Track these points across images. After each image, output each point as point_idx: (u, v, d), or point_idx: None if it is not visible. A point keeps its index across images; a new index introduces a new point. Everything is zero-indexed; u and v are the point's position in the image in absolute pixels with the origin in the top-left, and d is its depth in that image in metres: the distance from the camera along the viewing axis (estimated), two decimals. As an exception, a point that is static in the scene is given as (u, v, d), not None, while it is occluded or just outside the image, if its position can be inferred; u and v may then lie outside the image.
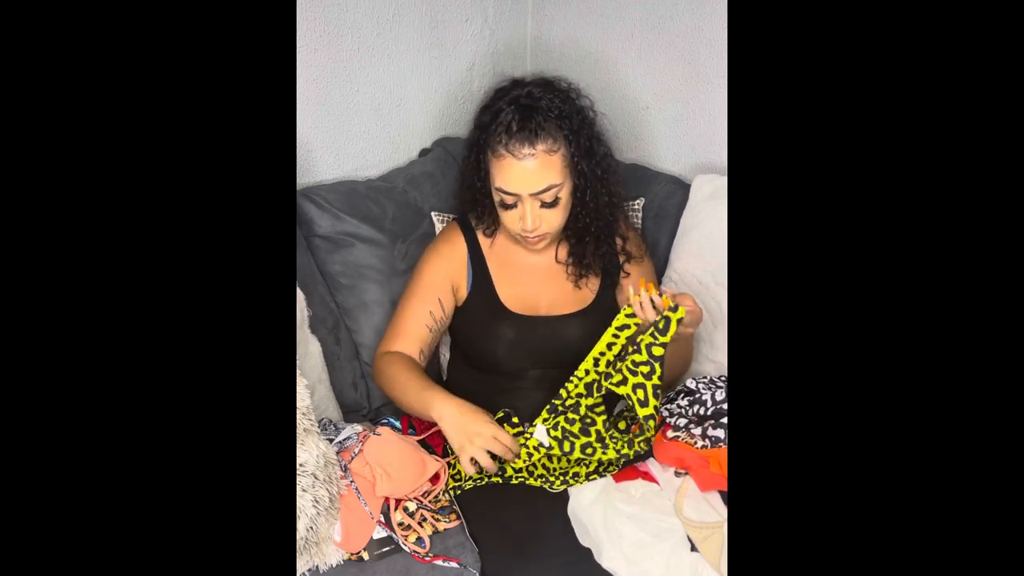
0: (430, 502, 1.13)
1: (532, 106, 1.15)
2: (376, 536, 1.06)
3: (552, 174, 1.15)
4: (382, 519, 1.07)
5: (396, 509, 1.09)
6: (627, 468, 1.18)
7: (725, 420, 1.09)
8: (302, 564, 1.00)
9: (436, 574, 1.05)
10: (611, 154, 1.25)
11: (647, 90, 1.55)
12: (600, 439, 1.15)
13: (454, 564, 1.06)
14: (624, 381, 1.09)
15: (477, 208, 1.29)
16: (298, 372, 1.01)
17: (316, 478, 0.99)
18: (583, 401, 1.16)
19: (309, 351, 1.29)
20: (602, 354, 1.13)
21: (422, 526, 1.09)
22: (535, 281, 1.30)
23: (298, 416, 0.99)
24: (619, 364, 1.11)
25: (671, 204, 1.45)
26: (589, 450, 1.14)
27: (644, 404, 1.08)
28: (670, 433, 1.14)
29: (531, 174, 1.14)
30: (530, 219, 1.16)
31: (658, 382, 1.07)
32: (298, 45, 1.33)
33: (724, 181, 1.36)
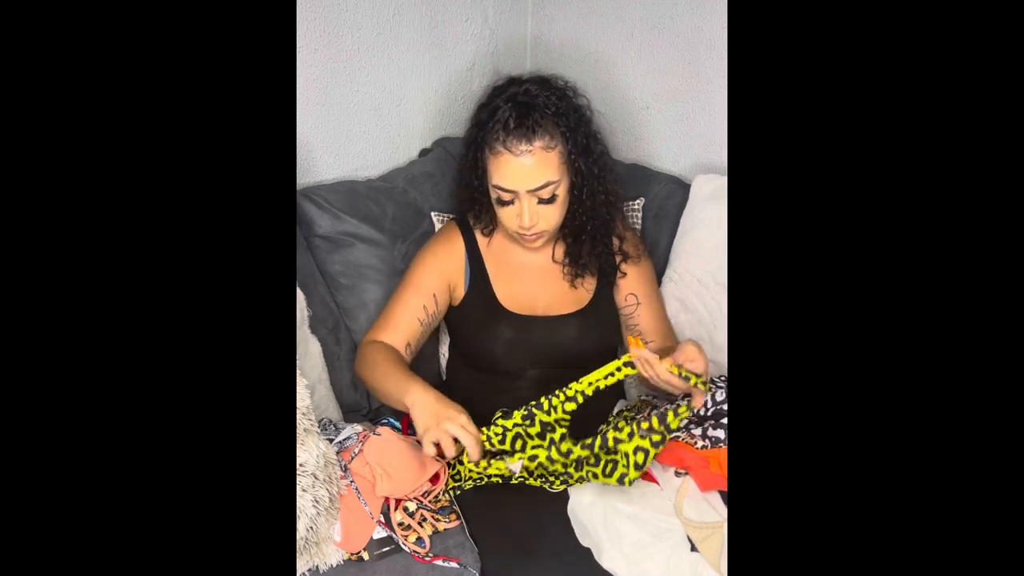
0: (430, 502, 1.13)
1: (529, 103, 1.15)
2: (376, 536, 1.06)
3: (549, 171, 1.15)
4: (382, 519, 1.07)
5: (396, 509, 1.09)
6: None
7: (725, 420, 1.09)
8: (302, 564, 1.00)
9: (436, 574, 1.05)
10: (608, 152, 1.26)
11: (647, 90, 1.55)
12: (553, 446, 1.10)
13: (454, 564, 1.06)
14: (630, 437, 1.06)
15: (475, 207, 1.29)
16: (298, 372, 1.01)
17: (316, 478, 0.99)
18: (554, 415, 1.11)
19: (309, 351, 1.29)
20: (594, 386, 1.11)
21: (422, 526, 1.09)
22: (533, 281, 1.30)
23: (298, 416, 0.99)
24: (632, 424, 1.06)
25: (671, 204, 1.45)
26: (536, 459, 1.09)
27: (639, 467, 1.05)
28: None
29: (528, 171, 1.14)
30: (527, 216, 1.16)
31: (658, 451, 1.06)
32: (298, 45, 1.33)
33: (724, 181, 1.36)
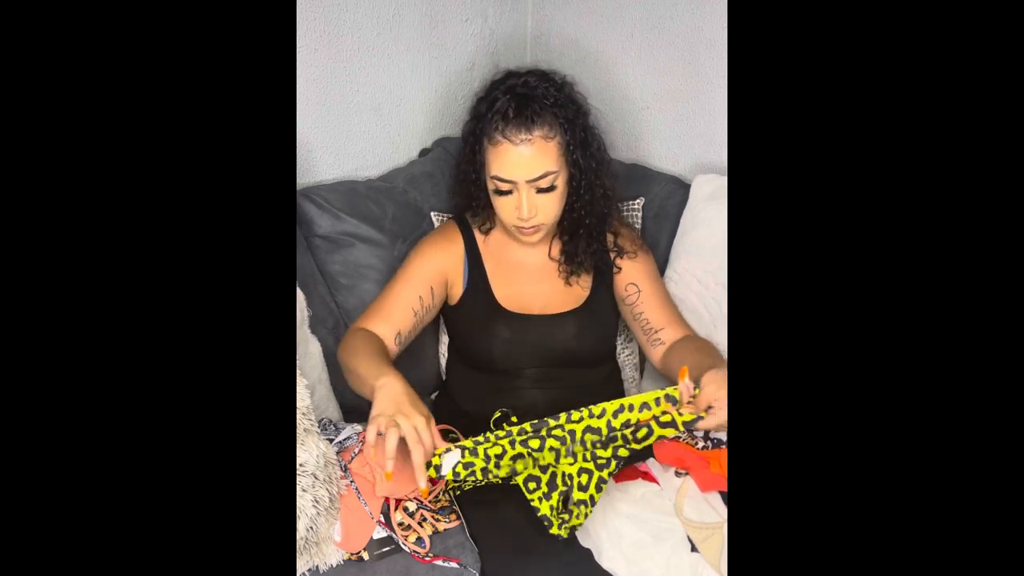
0: (430, 502, 1.13)
1: (528, 95, 1.16)
2: (376, 536, 1.06)
3: (548, 161, 1.15)
4: (382, 519, 1.07)
5: (396, 509, 1.09)
6: (627, 468, 1.18)
7: (725, 420, 1.09)
8: (302, 564, 1.00)
9: (436, 574, 1.05)
10: (604, 148, 1.25)
11: (647, 90, 1.55)
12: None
13: (454, 564, 1.06)
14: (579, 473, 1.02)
15: (472, 203, 1.29)
16: (298, 372, 1.01)
17: (316, 478, 0.99)
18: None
19: (309, 351, 1.29)
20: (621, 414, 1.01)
21: (422, 526, 1.09)
22: (530, 280, 1.30)
23: (298, 416, 0.99)
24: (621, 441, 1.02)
25: (671, 204, 1.45)
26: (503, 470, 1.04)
27: (583, 488, 1.01)
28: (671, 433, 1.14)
29: (527, 160, 1.14)
30: (526, 207, 1.16)
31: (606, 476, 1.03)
32: (298, 45, 1.33)
33: (724, 181, 1.36)
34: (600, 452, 1.02)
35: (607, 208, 1.27)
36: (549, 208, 1.18)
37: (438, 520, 1.11)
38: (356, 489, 1.07)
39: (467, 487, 1.18)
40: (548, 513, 1.03)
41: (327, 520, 1.01)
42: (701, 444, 1.10)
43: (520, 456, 1.01)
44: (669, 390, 0.99)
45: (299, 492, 0.96)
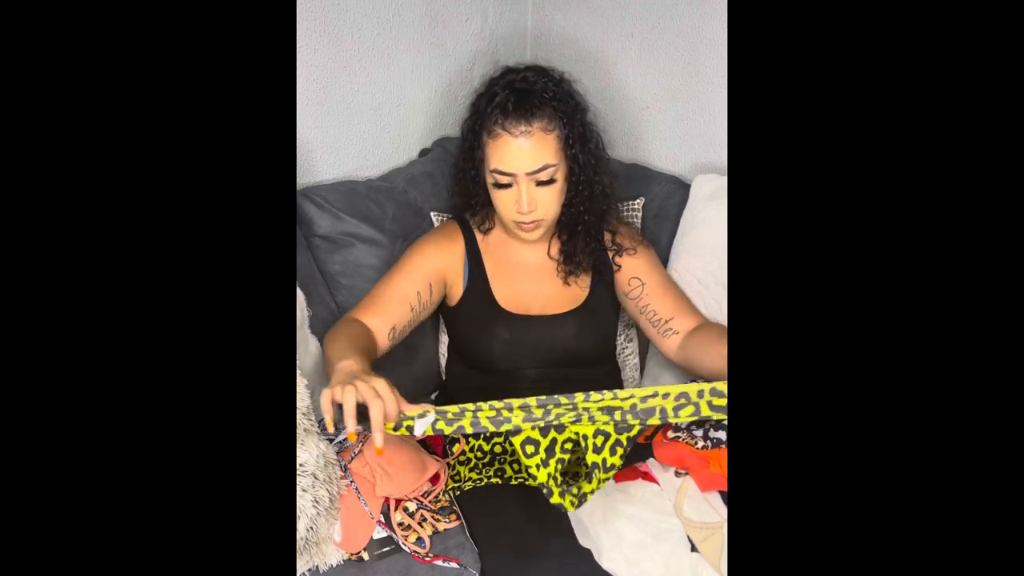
0: (430, 502, 1.13)
1: (528, 89, 1.16)
2: (376, 536, 1.06)
3: (548, 153, 1.15)
4: (382, 519, 1.07)
5: (396, 509, 1.09)
6: (627, 468, 1.18)
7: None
8: (302, 564, 1.00)
9: (436, 574, 1.05)
10: (602, 145, 1.25)
11: (647, 90, 1.55)
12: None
13: (454, 564, 1.06)
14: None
15: (472, 201, 1.29)
16: (298, 372, 1.01)
17: (316, 478, 0.99)
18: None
19: (309, 351, 1.29)
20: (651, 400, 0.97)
21: (422, 526, 1.09)
22: (529, 280, 1.30)
23: (298, 416, 0.99)
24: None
25: (671, 204, 1.45)
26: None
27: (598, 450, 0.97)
28: (671, 434, 1.14)
29: (527, 153, 1.14)
30: (525, 200, 1.16)
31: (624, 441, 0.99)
32: (298, 45, 1.33)
33: (724, 181, 1.36)
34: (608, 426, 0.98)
35: (606, 206, 1.27)
36: (549, 202, 1.18)
37: (438, 520, 1.11)
38: (356, 489, 1.07)
39: (467, 487, 1.18)
40: (545, 481, 0.98)
41: (327, 520, 1.01)
42: (701, 444, 1.10)
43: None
44: (717, 385, 0.94)
45: (299, 492, 0.96)
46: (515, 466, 1.17)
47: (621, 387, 1.41)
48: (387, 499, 1.08)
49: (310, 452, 0.98)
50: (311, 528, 0.98)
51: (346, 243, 1.38)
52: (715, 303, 1.31)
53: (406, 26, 1.50)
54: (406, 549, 1.06)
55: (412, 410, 0.93)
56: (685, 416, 0.94)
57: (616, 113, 1.58)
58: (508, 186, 1.17)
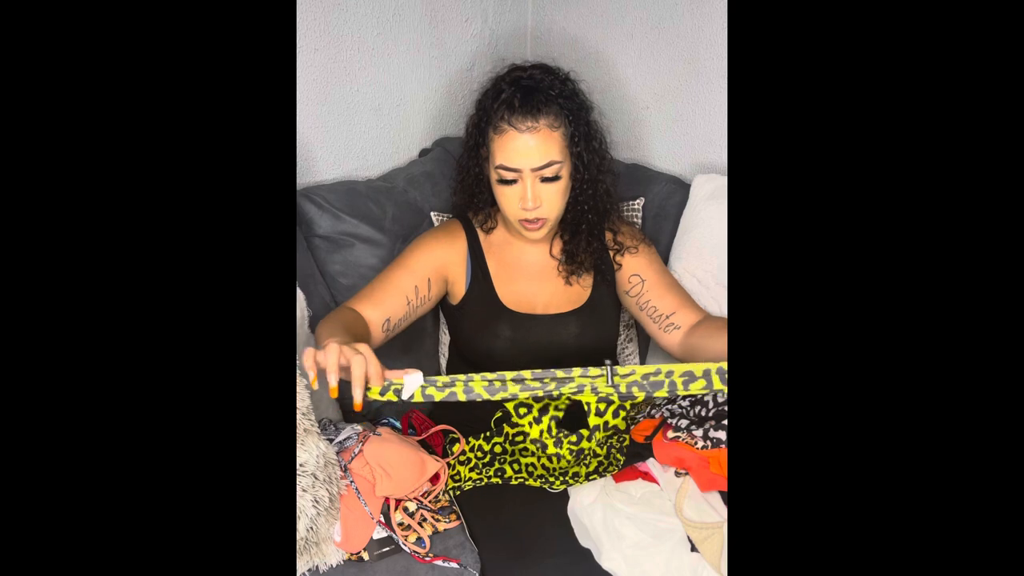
0: (430, 502, 1.13)
1: (534, 87, 1.16)
2: (376, 536, 1.06)
3: (553, 150, 1.15)
4: (382, 519, 1.07)
5: (396, 509, 1.09)
6: (627, 468, 1.18)
7: (727, 422, 1.09)
8: (302, 564, 1.00)
9: (436, 574, 1.05)
10: (606, 144, 1.26)
11: (647, 90, 1.56)
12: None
13: (454, 564, 1.06)
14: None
15: (475, 199, 1.29)
16: (298, 372, 1.01)
17: (316, 478, 0.99)
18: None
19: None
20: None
21: (422, 526, 1.09)
22: (532, 279, 1.30)
23: (298, 416, 0.99)
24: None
25: (671, 204, 1.45)
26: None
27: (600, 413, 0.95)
28: (671, 434, 1.14)
29: (533, 149, 1.14)
30: (530, 196, 1.16)
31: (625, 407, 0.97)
32: (298, 45, 1.33)
33: (724, 181, 1.36)
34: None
35: (609, 205, 1.27)
36: (553, 200, 1.18)
37: (438, 520, 1.11)
38: (356, 489, 1.07)
39: (467, 487, 1.18)
40: (538, 436, 0.95)
41: (327, 520, 1.01)
42: (701, 444, 1.10)
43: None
44: (723, 364, 0.94)
45: (299, 492, 0.96)
46: (515, 466, 1.17)
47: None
48: (387, 499, 1.08)
49: (310, 452, 0.98)
50: (311, 528, 0.98)
51: (346, 243, 1.38)
52: (715, 303, 1.31)
53: (406, 26, 1.50)
54: (406, 549, 1.06)
55: (396, 376, 0.91)
56: (696, 389, 0.94)
57: (616, 113, 1.58)
58: (513, 182, 1.17)
